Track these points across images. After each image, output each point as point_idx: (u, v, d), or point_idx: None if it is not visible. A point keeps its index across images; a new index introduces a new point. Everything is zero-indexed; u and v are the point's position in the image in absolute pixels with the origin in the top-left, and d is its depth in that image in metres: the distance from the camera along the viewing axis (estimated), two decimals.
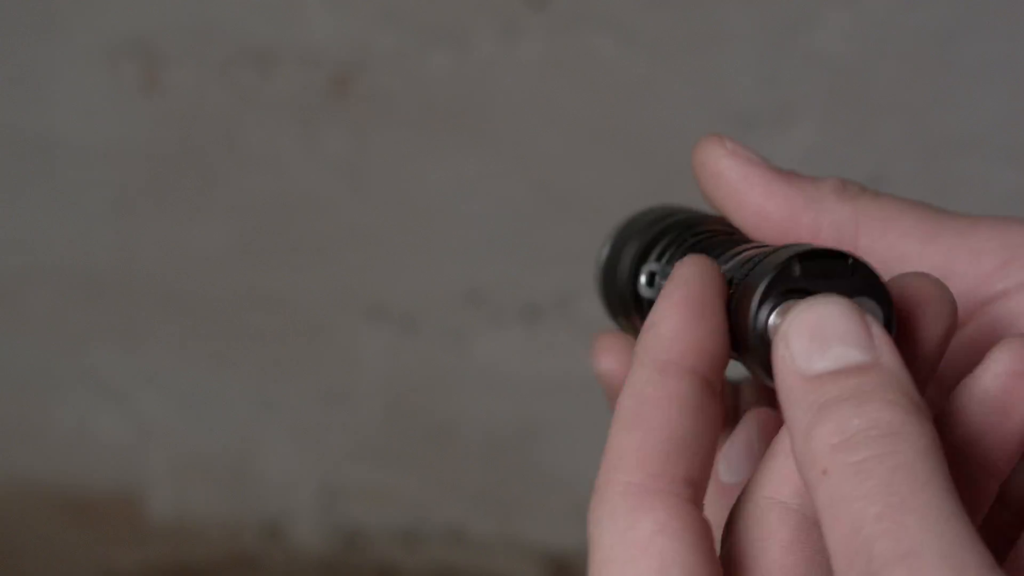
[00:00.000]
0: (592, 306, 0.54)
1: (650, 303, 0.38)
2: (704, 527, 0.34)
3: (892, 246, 0.41)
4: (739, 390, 0.47)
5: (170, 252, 1.08)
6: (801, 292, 0.35)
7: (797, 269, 0.35)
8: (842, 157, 0.98)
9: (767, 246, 0.38)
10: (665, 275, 0.40)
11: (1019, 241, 0.40)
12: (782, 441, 0.35)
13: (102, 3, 1.03)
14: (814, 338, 0.33)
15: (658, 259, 0.41)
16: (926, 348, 0.36)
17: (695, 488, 0.34)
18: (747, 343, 0.35)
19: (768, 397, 0.44)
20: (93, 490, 1.14)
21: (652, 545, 0.33)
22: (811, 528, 0.34)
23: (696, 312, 0.35)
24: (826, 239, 0.41)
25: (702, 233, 0.41)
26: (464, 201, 1.04)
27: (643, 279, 0.41)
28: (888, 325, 0.35)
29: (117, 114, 1.05)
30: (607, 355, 0.46)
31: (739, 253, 0.38)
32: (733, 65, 0.98)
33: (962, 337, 0.41)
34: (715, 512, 0.36)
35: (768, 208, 0.42)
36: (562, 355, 1.06)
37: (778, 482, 0.35)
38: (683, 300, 0.36)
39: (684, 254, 0.39)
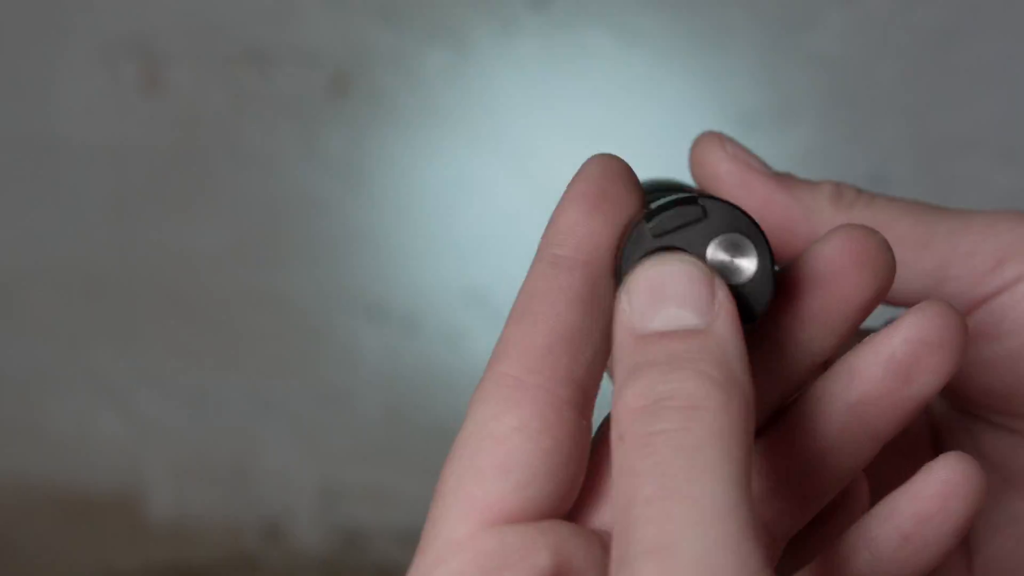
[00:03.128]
0: None
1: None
2: (572, 430, 0.32)
3: None
4: None
5: (170, 252, 1.08)
6: (669, 250, 0.33)
7: (648, 234, 0.34)
8: (842, 157, 0.98)
9: (682, 194, 0.36)
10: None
11: (1010, 239, 0.40)
12: None
13: (102, 3, 1.02)
14: (653, 296, 0.32)
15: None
16: (844, 307, 0.35)
17: (578, 388, 0.33)
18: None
19: None
20: (93, 490, 1.14)
21: (506, 441, 0.32)
22: None
23: (593, 205, 0.35)
24: None
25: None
26: (464, 201, 1.04)
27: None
28: (765, 258, 0.34)
29: (117, 114, 1.05)
30: None
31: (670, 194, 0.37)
32: (733, 65, 0.98)
33: None
34: None
35: (766, 217, 0.41)
36: None
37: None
38: (581, 194, 0.35)
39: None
